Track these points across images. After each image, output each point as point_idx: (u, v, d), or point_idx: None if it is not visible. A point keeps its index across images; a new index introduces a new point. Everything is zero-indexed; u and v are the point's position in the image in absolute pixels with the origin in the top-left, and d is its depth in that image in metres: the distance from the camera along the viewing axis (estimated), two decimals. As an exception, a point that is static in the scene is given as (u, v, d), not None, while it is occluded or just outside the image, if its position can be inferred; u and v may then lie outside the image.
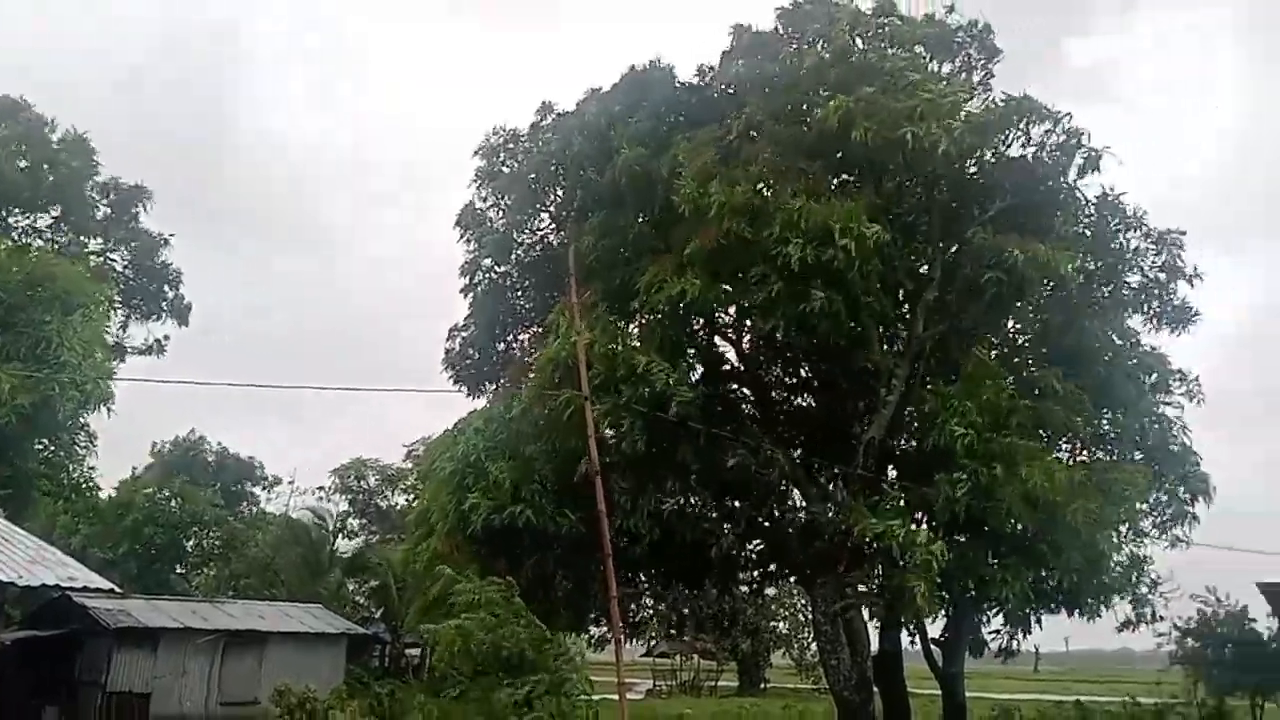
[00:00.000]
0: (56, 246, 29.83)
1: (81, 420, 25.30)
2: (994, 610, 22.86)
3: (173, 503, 42.36)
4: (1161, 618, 25.38)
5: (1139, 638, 26.71)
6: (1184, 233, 18.50)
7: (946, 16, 17.83)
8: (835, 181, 16.05)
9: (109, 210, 31.89)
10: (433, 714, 25.47)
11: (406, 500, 40.73)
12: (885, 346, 17.70)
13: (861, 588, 17.69)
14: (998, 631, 24.80)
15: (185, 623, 26.29)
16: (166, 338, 32.50)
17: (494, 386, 22.47)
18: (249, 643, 27.13)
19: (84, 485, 31.81)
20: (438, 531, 18.90)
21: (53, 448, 27.30)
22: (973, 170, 16.50)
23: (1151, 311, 19.88)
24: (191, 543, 43.70)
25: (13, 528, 19.10)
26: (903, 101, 14.88)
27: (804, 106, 16.74)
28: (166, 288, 32.24)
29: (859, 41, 17.03)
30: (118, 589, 19.41)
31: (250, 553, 41.89)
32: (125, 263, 32.19)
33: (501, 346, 22.33)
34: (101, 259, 31.25)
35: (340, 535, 43.49)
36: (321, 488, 43.63)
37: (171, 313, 32.34)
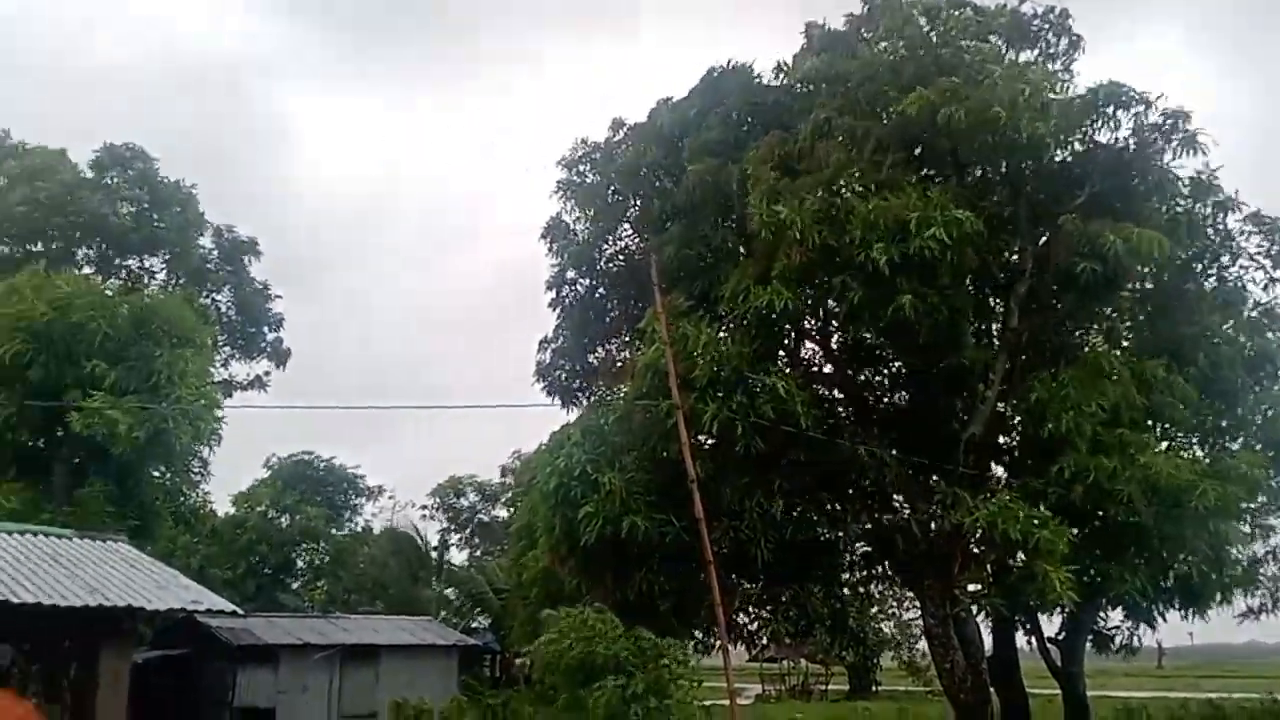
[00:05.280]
0: (167, 288, 31.47)
1: (195, 449, 26.37)
2: (1113, 606, 22.11)
3: (283, 519, 43.90)
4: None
5: (1267, 629, 25.40)
6: None
7: (1020, 4, 17.37)
8: (915, 176, 15.66)
9: (218, 257, 33.83)
10: (542, 722, 25.92)
11: (507, 514, 41.48)
12: (978, 341, 17.29)
13: (973, 586, 17.24)
14: (1117, 627, 23.92)
15: (304, 639, 27.11)
16: (267, 374, 34.28)
17: (585, 398, 22.73)
18: (365, 656, 27.82)
19: (200, 510, 33.47)
20: (541, 544, 19.14)
21: (170, 475, 28.49)
22: (1060, 158, 16.00)
23: (1254, 302, 18.96)
24: (304, 560, 45.19)
25: (139, 554, 20.02)
26: (986, 91, 14.53)
27: (880, 101, 16.40)
28: (268, 330, 34.27)
29: (934, 35, 16.72)
30: (239, 610, 20.14)
31: (357, 567, 43.11)
32: (229, 305, 34.00)
33: (591, 357, 22.58)
34: (210, 302, 32.92)
35: (443, 549, 44.49)
36: (424, 506, 44.72)
37: (272, 356, 34.19)
